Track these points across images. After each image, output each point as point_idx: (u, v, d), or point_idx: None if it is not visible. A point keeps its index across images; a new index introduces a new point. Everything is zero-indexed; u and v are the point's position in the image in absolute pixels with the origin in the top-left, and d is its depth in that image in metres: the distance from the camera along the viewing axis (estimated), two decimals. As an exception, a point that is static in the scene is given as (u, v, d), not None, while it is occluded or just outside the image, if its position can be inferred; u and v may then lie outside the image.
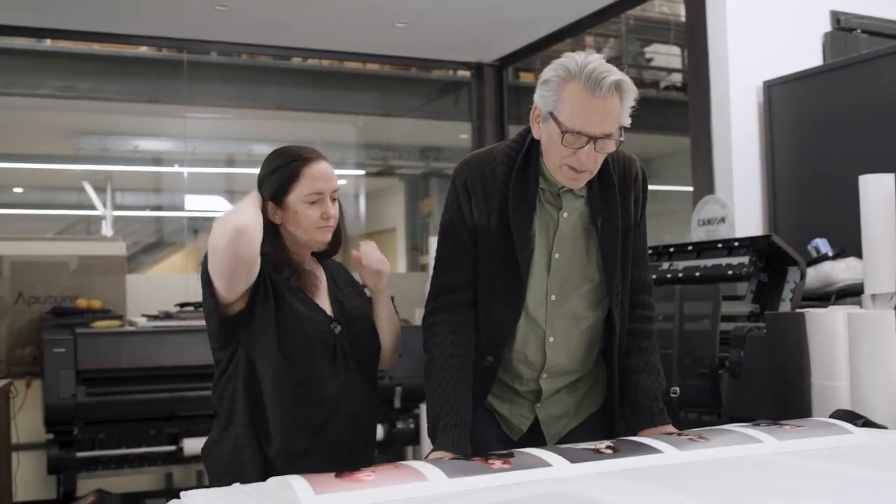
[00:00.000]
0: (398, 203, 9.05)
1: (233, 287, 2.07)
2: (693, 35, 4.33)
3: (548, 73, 2.04)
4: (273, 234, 2.20)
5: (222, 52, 6.54)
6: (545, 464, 1.58)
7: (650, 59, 8.47)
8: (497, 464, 1.57)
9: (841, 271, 3.29)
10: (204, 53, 6.43)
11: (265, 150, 7.85)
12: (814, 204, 3.86)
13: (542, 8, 5.29)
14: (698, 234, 4.00)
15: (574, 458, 1.61)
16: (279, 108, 7.41)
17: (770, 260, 3.27)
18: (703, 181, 4.19)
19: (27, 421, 4.76)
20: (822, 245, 3.44)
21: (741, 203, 4.01)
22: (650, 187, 2.28)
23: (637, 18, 8.24)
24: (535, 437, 2.24)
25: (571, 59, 2.01)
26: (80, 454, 4.52)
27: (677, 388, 2.98)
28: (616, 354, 2.25)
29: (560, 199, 2.16)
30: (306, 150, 2.24)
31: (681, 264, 3.52)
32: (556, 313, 2.20)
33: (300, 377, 2.15)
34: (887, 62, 3.59)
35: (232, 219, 2.03)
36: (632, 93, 2.01)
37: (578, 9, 5.37)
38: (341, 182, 8.84)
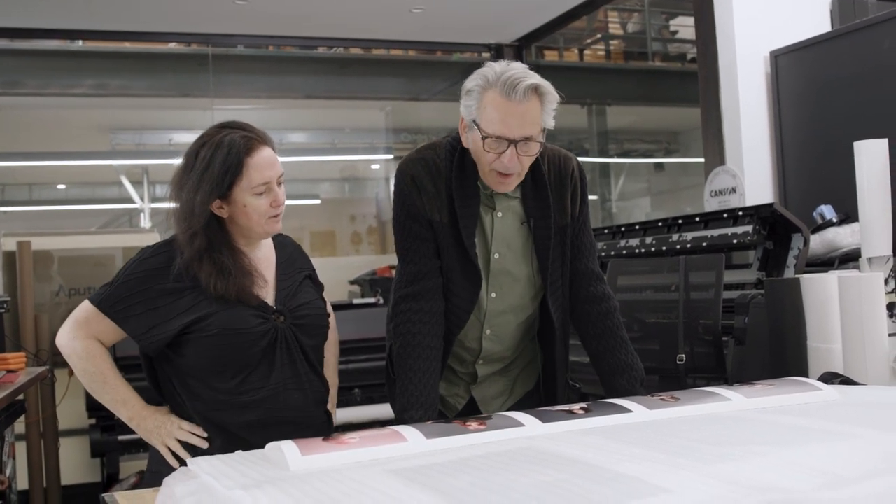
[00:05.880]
0: (429, 185, 9.08)
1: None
2: (700, 6, 4.32)
3: (469, 83, 2.10)
4: (217, 228, 2.12)
5: (249, 45, 6.67)
6: (518, 424, 1.67)
7: (675, 32, 8.45)
8: (473, 425, 1.67)
9: (845, 236, 3.31)
10: (231, 47, 6.57)
11: (298, 138, 7.87)
12: (821, 171, 3.88)
13: (556, -14, 5.36)
14: (711, 205, 4.04)
15: (547, 418, 1.70)
16: (307, 97, 7.51)
17: (775, 228, 3.31)
18: (714, 152, 4.22)
19: (70, 408, 4.89)
20: (827, 211, 3.47)
21: (751, 173, 4.04)
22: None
23: (661, -8, 8.22)
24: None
25: (490, 69, 2.07)
26: (121, 437, 4.60)
27: (683, 356, 3.05)
28: (555, 342, 2.30)
29: (493, 200, 2.22)
30: (245, 137, 2.09)
31: (689, 235, 3.58)
32: (495, 308, 2.26)
33: (230, 385, 2.10)
34: (890, 27, 3.59)
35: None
36: (551, 96, 2.07)
37: (592, -15, 5.42)
38: (374, 167, 8.95)
